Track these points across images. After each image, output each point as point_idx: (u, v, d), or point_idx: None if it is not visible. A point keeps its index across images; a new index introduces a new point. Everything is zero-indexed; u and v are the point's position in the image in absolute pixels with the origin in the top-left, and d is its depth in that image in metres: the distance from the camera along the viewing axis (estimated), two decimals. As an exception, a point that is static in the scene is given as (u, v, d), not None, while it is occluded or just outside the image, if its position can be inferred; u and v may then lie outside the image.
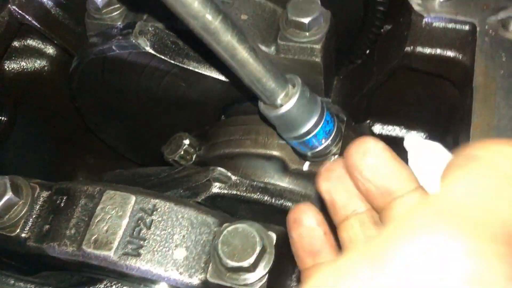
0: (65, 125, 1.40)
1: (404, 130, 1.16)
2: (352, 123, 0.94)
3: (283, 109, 0.77)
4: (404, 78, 0.98)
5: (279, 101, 0.77)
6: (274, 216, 0.90)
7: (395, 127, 1.15)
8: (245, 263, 0.72)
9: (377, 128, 1.17)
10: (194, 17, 0.65)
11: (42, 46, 1.25)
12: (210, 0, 0.64)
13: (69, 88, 1.17)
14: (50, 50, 1.26)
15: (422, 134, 1.13)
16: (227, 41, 0.67)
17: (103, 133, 1.30)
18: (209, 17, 0.64)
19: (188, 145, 1.05)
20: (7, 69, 1.23)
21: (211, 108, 1.09)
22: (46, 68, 1.27)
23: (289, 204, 0.89)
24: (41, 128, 1.38)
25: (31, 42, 1.24)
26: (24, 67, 1.25)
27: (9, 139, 1.27)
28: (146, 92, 1.08)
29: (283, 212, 0.90)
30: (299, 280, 0.96)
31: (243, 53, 0.70)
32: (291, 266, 0.94)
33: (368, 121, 1.17)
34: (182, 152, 1.05)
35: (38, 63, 1.26)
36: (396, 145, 1.22)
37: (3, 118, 1.22)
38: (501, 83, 0.80)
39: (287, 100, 0.77)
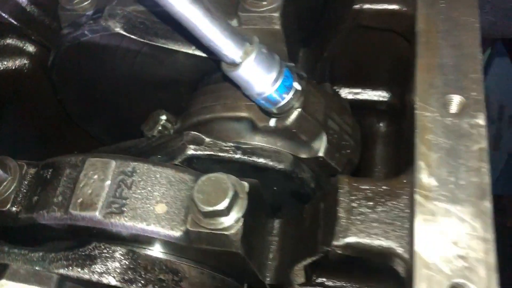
0: (51, 120, 1.46)
1: (369, 92, 1.23)
2: (314, 81, 1.01)
3: (242, 66, 0.84)
4: (359, 39, 1.06)
5: (238, 59, 0.84)
6: (247, 173, 0.96)
7: (359, 89, 1.22)
8: (219, 207, 0.78)
9: (344, 93, 1.23)
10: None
11: (21, 44, 1.31)
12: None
13: (50, 81, 1.23)
14: (29, 47, 1.32)
15: (386, 93, 1.21)
16: (182, 3, 0.73)
17: (87, 124, 1.36)
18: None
19: (165, 120, 1.11)
20: (-12, 68, 1.29)
21: (184, 85, 1.16)
22: (27, 65, 1.33)
23: (261, 160, 0.96)
24: (28, 125, 1.44)
25: (10, 41, 1.30)
26: (6, 66, 1.31)
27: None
28: (121, 75, 1.15)
29: (256, 168, 0.97)
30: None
31: (198, 13, 0.77)
32: (267, 220, 1.00)
33: (335, 86, 1.24)
34: (160, 128, 1.11)
35: (19, 61, 1.32)
36: (362, 109, 1.30)
37: (-11, 115, 1.28)
38: (441, 26, 0.87)
39: (246, 57, 0.83)
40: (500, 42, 3.10)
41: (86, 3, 1.11)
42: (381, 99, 1.23)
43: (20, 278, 0.82)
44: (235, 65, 0.84)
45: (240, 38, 0.83)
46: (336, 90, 1.24)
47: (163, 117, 1.12)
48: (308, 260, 0.84)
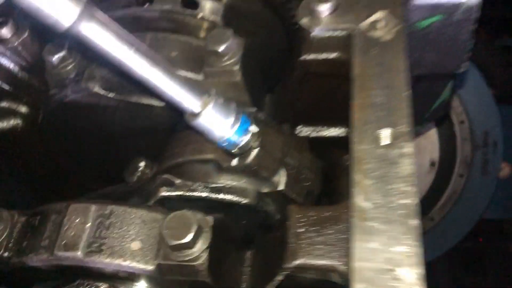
0: (44, 173, 1.58)
1: (330, 129, 1.35)
2: (273, 123, 1.13)
3: (202, 116, 0.96)
4: (311, 84, 1.18)
5: (198, 110, 0.96)
6: (216, 209, 1.07)
7: (320, 127, 1.34)
8: (185, 240, 0.88)
9: (307, 131, 1.35)
10: (116, 51, 0.85)
11: (14, 106, 1.44)
12: (125, 39, 0.85)
13: (41, 138, 1.36)
14: (21, 109, 1.46)
15: (344, 129, 1.33)
16: (142, 65, 0.87)
17: (77, 175, 1.48)
18: (125, 49, 0.84)
19: (144, 166, 1.23)
20: (-15, 130, 1.42)
21: (161, 132, 1.28)
22: (20, 125, 1.46)
23: (227, 196, 1.07)
24: (21, 181, 1.56)
25: (4, 104, 1.43)
26: (1, 126, 1.44)
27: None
28: (103, 128, 1.27)
29: (223, 204, 1.08)
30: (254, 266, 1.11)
31: (158, 74, 0.90)
32: (238, 252, 1.10)
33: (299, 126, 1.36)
34: (139, 173, 1.23)
35: (13, 122, 1.45)
36: (325, 144, 1.41)
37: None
38: (373, 71, 1.00)
39: (204, 108, 0.96)
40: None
41: (69, 67, 1.24)
42: (341, 134, 1.34)
43: (12, 316, 0.91)
44: (195, 115, 0.97)
45: (198, 91, 0.96)
46: (300, 129, 1.36)
47: (142, 164, 1.23)
48: (270, 286, 0.93)
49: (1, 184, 1.46)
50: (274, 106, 1.34)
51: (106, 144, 1.34)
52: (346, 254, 0.82)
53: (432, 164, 3.47)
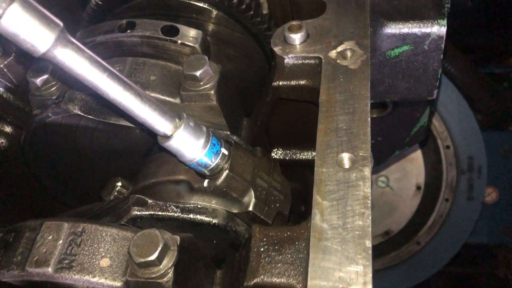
0: (27, 194, 1.61)
1: (304, 152, 1.40)
2: (243, 146, 1.18)
3: (173, 138, 1.00)
4: (283, 109, 1.24)
5: (169, 132, 1.00)
6: (187, 228, 1.10)
7: (294, 150, 1.39)
8: (151, 257, 0.91)
9: (281, 154, 1.40)
10: (90, 76, 0.90)
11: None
12: (98, 65, 0.90)
13: (23, 157, 1.40)
14: (6, 128, 1.50)
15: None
16: (115, 89, 0.91)
17: (57, 192, 1.51)
18: (98, 73, 0.89)
19: (120, 186, 1.27)
20: (-30, 148, 1.46)
21: (138, 154, 1.32)
22: (4, 143, 1.50)
23: (197, 216, 1.10)
24: (6, 199, 1.59)
25: (-11, 124, 1.48)
26: (-15, 145, 1.48)
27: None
28: (83, 149, 1.32)
29: (194, 224, 1.11)
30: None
31: (131, 98, 0.94)
32: (208, 270, 1.13)
33: (274, 149, 1.40)
34: (116, 193, 1.26)
35: (-3, 141, 1.50)
36: (300, 166, 1.45)
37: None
38: (339, 97, 1.05)
39: (175, 130, 1.00)
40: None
41: (52, 89, 1.29)
42: (313, 157, 1.39)
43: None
44: (167, 137, 1.01)
45: (170, 115, 1.00)
46: (275, 152, 1.41)
47: (119, 184, 1.27)
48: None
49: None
50: (251, 130, 1.38)
51: (85, 164, 1.38)
52: (303, 272, 0.86)
53: (418, 188, 3.51)
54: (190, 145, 1.02)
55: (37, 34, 0.81)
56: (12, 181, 1.58)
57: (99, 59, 0.90)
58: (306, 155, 1.40)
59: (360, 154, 0.95)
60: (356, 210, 0.88)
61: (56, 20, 0.84)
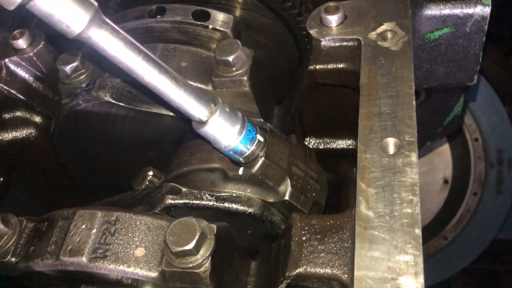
0: (55, 185, 1.60)
1: (338, 141, 1.35)
2: (279, 134, 1.14)
3: (209, 123, 0.97)
4: (318, 95, 1.19)
5: (204, 118, 0.97)
6: (221, 218, 1.07)
7: (328, 139, 1.34)
8: (188, 247, 0.88)
9: (315, 143, 1.36)
10: (124, 58, 0.86)
11: (28, 116, 1.47)
12: (133, 47, 0.87)
13: (52, 147, 1.38)
14: (35, 118, 1.49)
15: (352, 141, 1.32)
16: (150, 72, 0.88)
17: (86, 183, 1.50)
18: (133, 56, 0.86)
19: (152, 175, 1.24)
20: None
21: (169, 143, 1.29)
22: (33, 134, 1.49)
23: (232, 205, 1.07)
24: (33, 190, 1.58)
25: (18, 113, 1.46)
26: (15, 135, 1.47)
27: (4, 200, 1.47)
28: (113, 138, 1.29)
29: (229, 213, 1.08)
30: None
31: (166, 82, 0.91)
32: (243, 261, 1.09)
33: (307, 138, 1.36)
34: (147, 182, 1.24)
35: (26, 131, 1.49)
36: (334, 156, 1.40)
37: (-1, 179, 1.43)
38: (380, 80, 1.00)
39: (211, 116, 0.97)
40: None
41: (82, 77, 1.27)
42: (350, 147, 1.34)
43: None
44: (202, 123, 0.98)
45: (205, 100, 0.97)
46: (308, 141, 1.36)
47: (150, 173, 1.24)
48: (273, 294, 0.92)
49: (12, 193, 1.48)
50: (283, 118, 1.34)
51: (116, 154, 1.35)
52: (349, 263, 0.81)
53: (445, 181, 3.43)
54: (225, 131, 0.99)
55: (72, 14, 0.79)
56: (40, 173, 1.57)
57: (134, 41, 0.87)
58: (340, 144, 1.35)
59: (406, 138, 0.90)
60: (404, 197, 0.83)
61: (91, 0, 0.81)
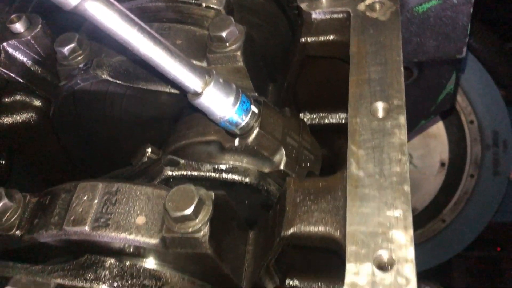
0: (56, 168, 1.63)
1: (332, 115, 1.38)
2: (272, 106, 1.17)
3: (203, 95, 1.00)
4: (310, 68, 1.22)
5: (199, 89, 1.00)
6: (219, 188, 1.10)
7: (322, 114, 1.37)
8: (187, 212, 0.91)
9: (309, 117, 1.39)
10: (120, 30, 0.89)
11: (28, 99, 1.50)
12: (129, 19, 0.90)
13: (52, 128, 1.41)
14: (35, 102, 1.52)
15: (343, 115, 1.35)
16: (145, 44, 0.91)
17: (88, 165, 1.53)
18: (128, 27, 0.89)
19: (150, 152, 1.27)
20: (0, 122, 1.48)
21: (166, 121, 1.32)
22: (33, 117, 1.52)
23: (230, 176, 1.10)
24: (35, 172, 1.61)
25: (18, 97, 1.49)
26: (15, 119, 1.50)
27: (7, 183, 1.50)
28: (112, 117, 1.32)
29: (226, 184, 1.11)
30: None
31: (162, 53, 0.94)
32: (241, 230, 1.13)
33: (301, 113, 1.39)
34: (146, 159, 1.27)
35: (26, 114, 1.51)
36: (330, 131, 1.43)
37: (1, 162, 1.46)
38: (369, 49, 1.03)
39: (205, 87, 1.00)
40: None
41: (79, 58, 1.30)
42: (344, 121, 1.37)
43: (22, 286, 0.95)
44: (197, 94, 1.01)
45: (199, 72, 1.00)
46: (303, 116, 1.39)
47: (149, 149, 1.27)
48: (270, 258, 0.95)
49: (13, 176, 1.52)
50: (277, 94, 1.37)
51: (114, 134, 1.38)
52: (341, 220, 0.85)
53: (442, 164, 3.46)
54: (220, 102, 1.02)
55: (68, -13, 0.81)
56: (42, 156, 1.60)
57: (129, 13, 0.89)
58: (334, 118, 1.38)
59: (395, 102, 0.93)
60: (393, 157, 0.87)
61: (86, -27, 0.83)
